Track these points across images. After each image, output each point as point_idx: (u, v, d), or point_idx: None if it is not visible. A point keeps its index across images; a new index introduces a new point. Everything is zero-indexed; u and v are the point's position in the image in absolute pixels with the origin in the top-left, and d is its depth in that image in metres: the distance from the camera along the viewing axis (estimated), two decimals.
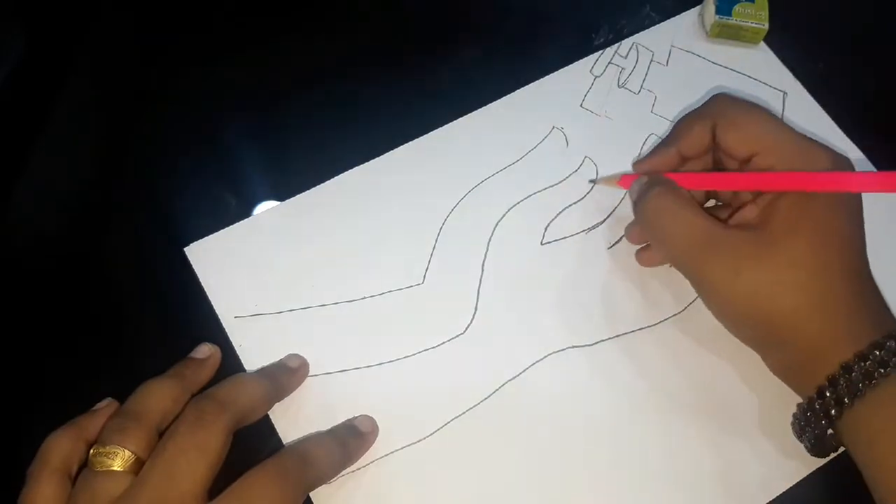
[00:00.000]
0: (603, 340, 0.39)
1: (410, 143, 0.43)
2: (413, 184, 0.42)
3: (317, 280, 0.39)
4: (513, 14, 0.48)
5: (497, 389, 0.37)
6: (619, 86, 0.45)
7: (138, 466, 0.30)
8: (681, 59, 0.46)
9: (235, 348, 0.37)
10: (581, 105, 0.44)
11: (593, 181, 0.42)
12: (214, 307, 0.38)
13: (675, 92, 0.45)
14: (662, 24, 0.47)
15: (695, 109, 0.38)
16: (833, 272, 0.32)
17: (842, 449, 0.33)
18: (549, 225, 0.41)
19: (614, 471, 0.36)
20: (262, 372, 0.36)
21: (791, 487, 0.36)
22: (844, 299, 0.32)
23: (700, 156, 0.38)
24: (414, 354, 0.38)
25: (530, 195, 0.42)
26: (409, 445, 0.36)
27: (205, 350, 0.36)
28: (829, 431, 0.32)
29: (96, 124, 0.44)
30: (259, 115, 0.44)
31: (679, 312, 0.39)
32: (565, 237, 0.41)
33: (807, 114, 0.45)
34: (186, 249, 0.39)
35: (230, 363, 0.37)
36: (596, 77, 0.45)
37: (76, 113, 0.44)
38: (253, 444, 0.34)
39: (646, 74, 0.45)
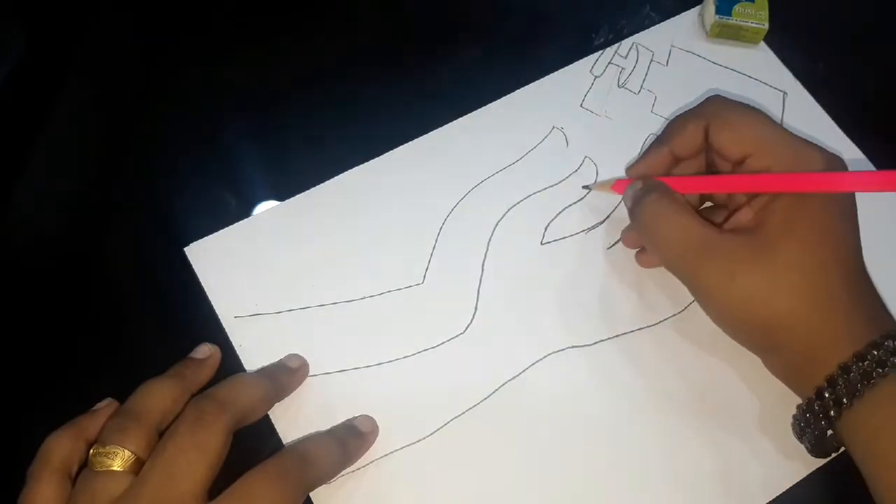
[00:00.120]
0: (603, 340, 0.39)
1: (410, 143, 0.43)
2: (413, 184, 0.42)
3: (317, 280, 0.39)
4: (513, 14, 0.48)
5: (497, 389, 0.37)
6: (619, 86, 0.45)
7: (138, 466, 0.30)
8: (681, 59, 0.46)
9: (235, 348, 0.37)
10: (581, 105, 0.44)
11: (587, 187, 0.42)
12: (214, 307, 0.38)
13: (675, 92, 0.45)
14: (662, 24, 0.47)
15: (688, 110, 0.38)
16: (829, 273, 0.32)
17: (842, 449, 0.33)
18: (549, 225, 0.41)
19: (614, 471, 0.36)
20: (262, 372, 0.36)
21: (791, 487, 0.36)
22: (841, 300, 0.32)
23: (693, 156, 0.37)
24: (414, 354, 0.38)
25: (530, 195, 0.42)
26: (409, 445, 0.36)
27: (205, 350, 0.36)
28: (829, 432, 0.32)
29: (96, 124, 0.44)
30: (259, 115, 0.44)
31: (679, 312, 0.39)
32: (565, 237, 0.41)
33: (807, 114, 0.45)
34: (186, 249, 0.39)
35: (230, 363, 0.37)
36: (596, 77, 0.45)
37: (76, 113, 0.44)
38: (253, 444, 0.34)
39: (646, 74, 0.45)
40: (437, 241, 0.40)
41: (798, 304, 0.32)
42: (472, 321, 0.39)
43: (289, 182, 0.41)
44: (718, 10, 0.45)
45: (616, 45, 0.46)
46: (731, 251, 0.33)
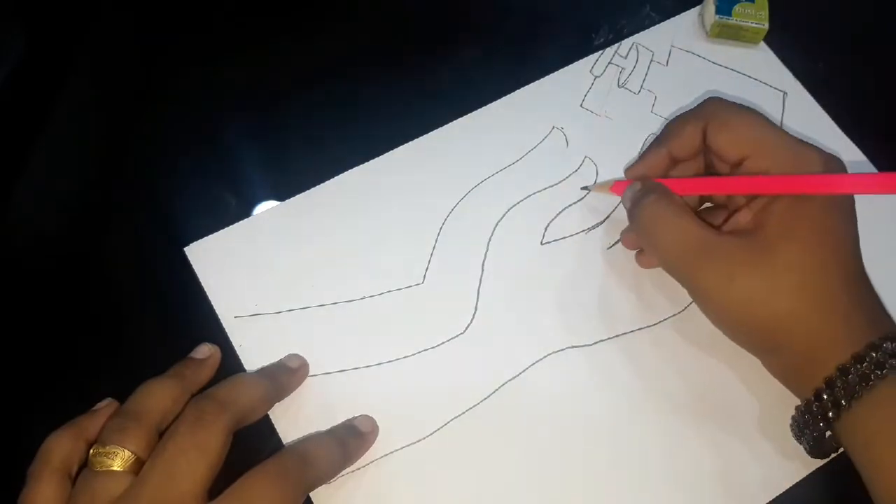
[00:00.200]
0: (602, 340, 0.39)
1: (410, 143, 0.43)
2: (413, 184, 0.42)
3: (317, 280, 0.39)
4: (513, 14, 0.48)
5: (497, 389, 0.37)
6: (619, 86, 0.45)
7: (138, 466, 0.30)
8: (681, 59, 0.46)
9: (235, 348, 0.37)
10: (581, 105, 0.44)
11: (586, 188, 0.42)
12: (214, 307, 0.38)
13: (675, 92, 0.45)
14: (662, 24, 0.47)
15: (687, 111, 0.38)
16: (829, 274, 0.32)
17: (841, 450, 0.33)
18: (549, 225, 0.41)
19: (614, 471, 0.36)
20: (262, 372, 0.36)
21: (791, 488, 0.36)
22: (841, 301, 0.32)
23: (691, 157, 0.37)
24: (414, 354, 0.38)
25: (530, 195, 0.42)
26: (409, 445, 0.36)
27: (205, 350, 0.36)
28: (828, 433, 0.32)
29: (96, 124, 0.44)
30: (259, 115, 0.44)
31: (679, 313, 0.39)
32: (565, 237, 0.41)
33: (807, 114, 0.45)
34: (186, 249, 0.39)
35: (230, 363, 0.37)
36: (596, 77, 0.45)
37: (76, 113, 0.44)
38: (253, 444, 0.34)
39: (646, 74, 0.45)
40: (437, 241, 0.40)
41: (797, 305, 0.32)
42: (472, 321, 0.39)
43: (289, 182, 0.41)
44: (718, 10, 0.45)
45: (616, 45, 0.46)
46: (730, 253, 0.33)
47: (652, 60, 0.46)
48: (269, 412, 0.35)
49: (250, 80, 0.45)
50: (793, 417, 0.34)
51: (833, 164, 0.34)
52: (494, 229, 0.41)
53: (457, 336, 0.38)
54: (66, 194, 0.42)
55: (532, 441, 0.36)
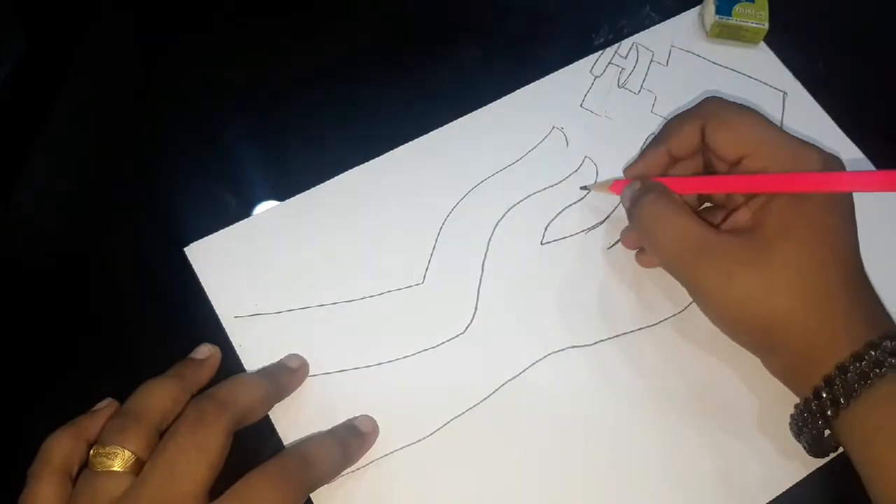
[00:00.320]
0: (603, 340, 0.39)
1: (410, 143, 0.43)
2: (413, 184, 0.42)
3: (317, 280, 0.39)
4: (513, 14, 0.48)
5: (497, 389, 0.37)
6: (619, 86, 0.45)
7: (139, 467, 0.30)
8: (681, 59, 0.46)
9: (235, 348, 0.37)
10: (581, 105, 0.44)
11: (585, 188, 0.42)
12: (214, 307, 0.38)
13: (675, 92, 0.45)
14: (662, 24, 0.47)
15: (685, 110, 0.38)
16: (828, 273, 0.32)
17: (841, 449, 0.33)
18: (549, 225, 0.41)
19: (614, 471, 0.36)
20: (263, 372, 0.36)
21: (791, 487, 0.36)
22: (839, 299, 0.32)
23: (690, 156, 0.38)
24: (414, 354, 0.38)
25: (530, 195, 0.42)
26: (409, 445, 0.36)
27: (205, 350, 0.36)
28: (827, 432, 0.32)
29: (96, 124, 0.44)
30: (259, 115, 0.44)
31: (679, 312, 0.39)
32: (565, 237, 0.41)
33: (807, 114, 0.45)
34: (186, 249, 0.39)
35: (230, 363, 0.37)
36: (596, 77, 0.45)
37: (76, 113, 0.44)
38: (253, 445, 0.34)
39: (646, 74, 0.45)
40: (437, 241, 0.40)
41: (796, 304, 0.32)
42: (472, 321, 0.39)
43: (289, 182, 0.41)
44: (718, 10, 0.45)
45: (616, 45, 0.46)
46: (729, 252, 0.33)
47: (652, 60, 0.46)
48: (269, 412, 0.35)
49: (250, 80, 0.45)
50: (792, 416, 0.34)
51: (832, 164, 0.34)
52: (494, 229, 0.41)
53: (457, 336, 0.38)
54: (66, 194, 0.42)
55: (532, 441, 0.36)
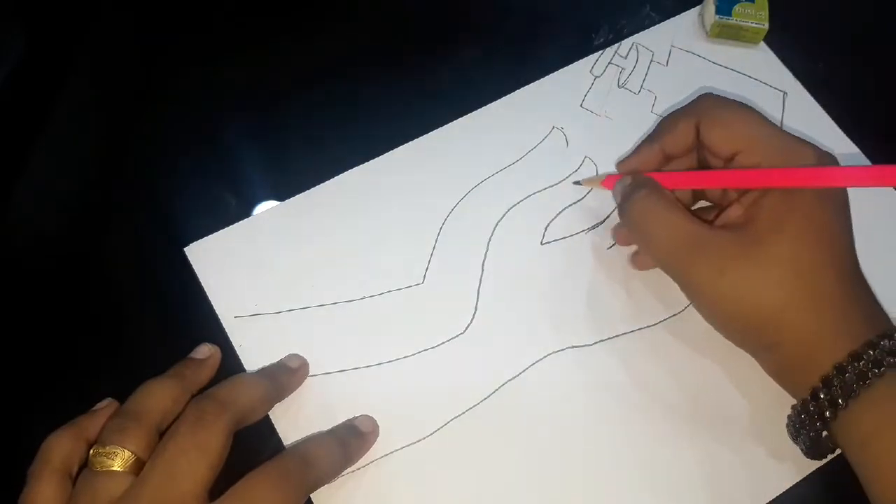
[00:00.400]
0: (602, 341, 0.39)
1: (410, 143, 0.43)
2: (413, 184, 0.42)
3: (317, 280, 0.39)
4: (513, 14, 0.48)
5: (497, 389, 0.37)
6: (619, 86, 0.45)
7: (139, 467, 0.30)
8: (681, 59, 0.46)
9: (235, 348, 0.37)
10: (581, 105, 0.44)
11: (578, 183, 0.42)
12: (214, 307, 0.38)
13: (675, 92, 0.45)
14: (662, 24, 0.47)
15: (680, 108, 0.38)
16: (822, 269, 0.32)
17: (838, 451, 0.32)
18: (549, 225, 0.41)
19: (614, 471, 0.36)
20: (263, 372, 0.36)
21: (791, 487, 0.36)
22: (834, 297, 0.32)
23: (684, 154, 0.37)
24: (414, 354, 0.38)
25: (530, 195, 0.42)
26: (409, 445, 0.36)
27: (205, 350, 0.36)
28: (825, 433, 0.31)
29: (96, 124, 0.44)
30: (259, 115, 0.44)
31: (679, 312, 0.39)
32: (565, 237, 0.41)
33: (807, 114, 0.45)
34: (186, 249, 0.39)
35: (230, 363, 0.37)
36: (596, 77, 0.45)
37: (76, 113, 0.44)
38: (253, 445, 0.34)
39: (646, 74, 0.45)
40: (437, 241, 0.40)
41: (789, 300, 0.32)
42: (472, 321, 0.39)
43: (289, 182, 0.41)
44: (718, 10, 0.45)
45: (616, 45, 0.46)
46: (721, 247, 0.33)
47: (652, 60, 0.46)
48: (269, 412, 0.35)
49: (250, 80, 0.45)
50: (789, 417, 0.34)
51: (826, 159, 0.33)
52: (494, 229, 0.41)
53: (457, 336, 0.38)
54: (66, 194, 0.42)
55: (532, 441, 0.36)
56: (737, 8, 0.45)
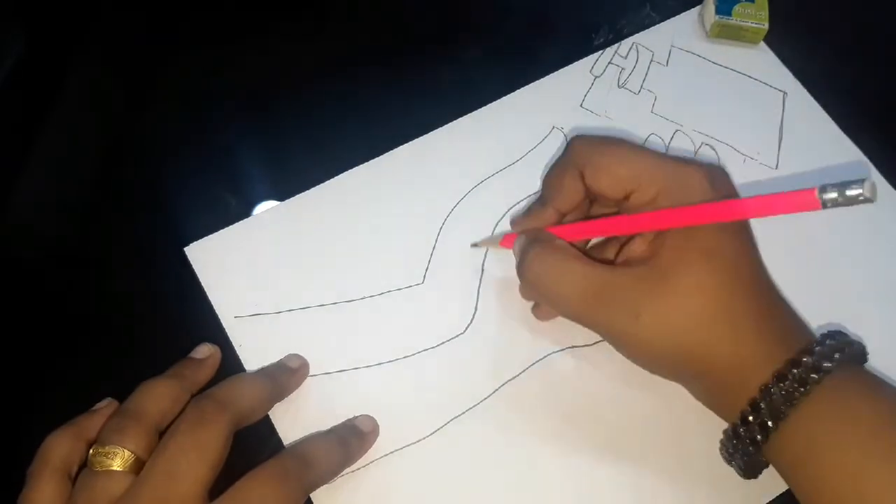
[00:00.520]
0: (602, 340, 0.38)
1: (410, 143, 0.43)
2: (413, 184, 0.42)
3: (317, 280, 0.39)
4: (513, 14, 0.48)
5: (497, 389, 0.37)
6: (619, 86, 0.45)
7: (138, 466, 0.30)
8: (681, 59, 0.46)
9: (235, 348, 0.37)
10: (581, 105, 0.44)
11: (476, 245, 0.40)
12: (214, 307, 0.38)
13: (675, 92, 0.45)
14: (662, 24, 0.47)
15: (557, 160, 0.36)
16: (730, 295, 0.31)
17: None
18: None
19: (615, 471, 0.36)
20: (263, 372, 0.36)
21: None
22: (749, 319, 0.31)
23: (577, 207, 0.36)
24: (414, 354, 0.38)
25: (530, 195, 0.42)
26: (408, 445, 0.36)
27: (204, 350, 0.36)
28: (758, 456, 0.31)
29: (96, 124, 0.44)
30: (259, 115, 0.44)
31: None
32: None
33: (807, 114, 0.45)
34: (186, 249, 0.40)
35: (230, 363, 0.37)
36: (596, 77, 0.45)
37: (76, 113, 0.44)
38: (253, 445, 0.34)
39: (646, 74, 0.45)
40: (437, 241, 0.40)
41: (708, 331, 0.31)
42: (472, 321, 0.39)
43: (289, 182, 0.42)
44: (718, 10, 0.45)
45: (616, 45, 0.46)
46: (629, 289, 0.31)
47: (652, 60, 0.46)
48: (269, 412, 0.35)
49: (250, 80, 0.45)
50: (721, 442, 0.33)
51: (716, 172, 0.33)
52: (494, 229, 0.41)
53: (457, 336, 0.38)
54: (66, 194, 0.42)
55: (532, 441, 0.36)
56: (737, 8, 0.45)
